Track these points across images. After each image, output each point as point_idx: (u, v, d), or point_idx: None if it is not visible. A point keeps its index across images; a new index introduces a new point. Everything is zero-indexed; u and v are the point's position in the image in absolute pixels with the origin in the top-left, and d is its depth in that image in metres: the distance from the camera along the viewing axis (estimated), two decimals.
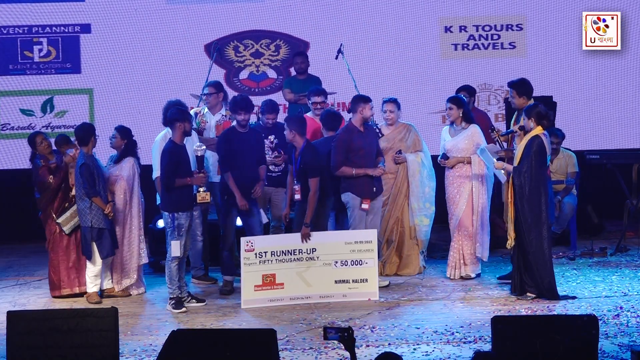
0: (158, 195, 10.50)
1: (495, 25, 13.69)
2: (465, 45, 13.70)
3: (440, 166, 10.96)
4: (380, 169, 10.44)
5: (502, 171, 9.93)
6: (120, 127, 10.52)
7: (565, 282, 10.47)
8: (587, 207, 12.91)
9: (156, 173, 10.44)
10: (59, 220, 10.32)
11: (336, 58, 12.32)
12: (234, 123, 10.48)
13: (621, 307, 9.43)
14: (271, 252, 9.88)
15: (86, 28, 13.43)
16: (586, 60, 13.60)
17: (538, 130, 9.69)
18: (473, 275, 10.76)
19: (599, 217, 13.08)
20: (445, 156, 10.73)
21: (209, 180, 10.48)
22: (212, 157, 10.70)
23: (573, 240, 12.07)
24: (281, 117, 11.26)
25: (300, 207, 10.16)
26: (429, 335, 8.69)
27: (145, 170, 10.78)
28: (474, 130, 10.67)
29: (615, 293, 10.06)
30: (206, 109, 11.17)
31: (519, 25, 13.69)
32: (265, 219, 10.54)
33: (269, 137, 10.89)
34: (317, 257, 9.92)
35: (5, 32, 13.38)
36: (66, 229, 10.32)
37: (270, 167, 10.88)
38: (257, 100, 12.55)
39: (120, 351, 7.13)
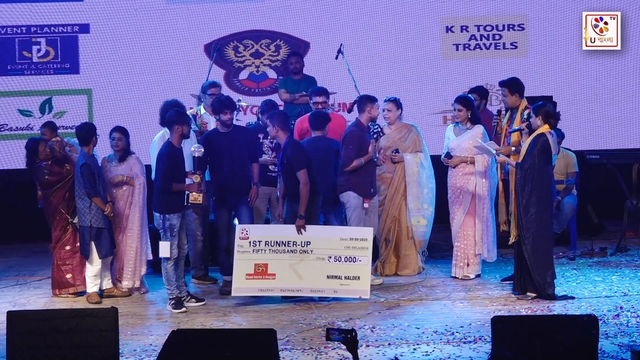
0: None
1: (497, 25, 13.68)
2: (467, 46, 13.69)
3: (441, 166, 10.96)
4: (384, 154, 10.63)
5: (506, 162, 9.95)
6: (120, 128, 10.49)
7: (565, 282, 10.47)
8: (587, 207, 12.93)
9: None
10: (74, 221, 10.34)
11: (336, 58, 12.32)
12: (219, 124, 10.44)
13: (621, 307, 9.43)
14: (265, 241, 9.85)
15: (85, 28, 13.41)
16: (586, 60, 13.60)
17: (544, 128, 9.70)
18: (472, 276, 10.77)
19: (599, 217, 13.09)
20: (449, 155, 10.72)
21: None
22: None
23: (573, 240, 12.08)
24: None
25: (288, 204, 10.09)
26: (429, 335, 8.68)
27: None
28: (479, 130, 10.67)
29: (615, 293, 10.06)
30: (203, 110, 11.16)
31: (521, 25, 13.68)
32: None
33: (269, 137, 10.88)
34: (311, 251, 9.89)
35: (3, 32, 13.36)
36: None
37: (270, 167, 10.87)
38: (257, 101, 12.57)
39: (120, 351, 7.13)
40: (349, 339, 6.06)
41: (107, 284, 10.44)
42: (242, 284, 9.81)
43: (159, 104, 10.77)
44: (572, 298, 9.83)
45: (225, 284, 10.41)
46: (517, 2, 13.64)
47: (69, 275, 10.41)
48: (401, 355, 8.04)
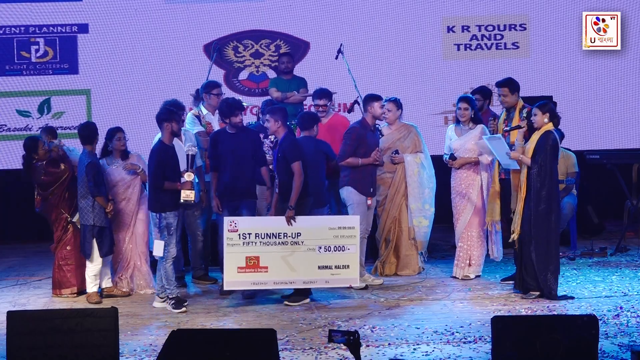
0: None
1: (498, 25, 13.68)
2: (468, 46, 13.68)
3: (442, 166, 10.96)
4: (379, 155, 10.51)
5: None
6: (120, 129, 10.48)
7: (565, 282, 10.47)
8: (587, 207, 12.92)
9: None
10: (75, 220, 10.34)
11: (336, 58, 12.32)
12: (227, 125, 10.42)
13: (621, 307, 9.43)
14: (255, 234, 9.80)
15: (84, 28, 13.41)
16: (586, 60, 13.61)
17: (549, 126, 9.71)
18: (472, 276, 10.77)
19: (599, 217, 13.09)
20: (452, 156, 10.70)
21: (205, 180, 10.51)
22: None
23: (573, 240, 12.08)
24: None
25: (280, 201, 10.04)
26: (429, 335, 8.68)
27: None
28: (482, 130, 10.67)
29: (615, 293, 10.06)
30: (205, 110, 11.15)
31: (523, 25, 13.68)
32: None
33: (270, 136, 10.88)
34: (302, 242, 9.86)
35: (1, 32, 13.36)
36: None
37: (270, 167, 10.86)
38: (258, 101, 12.57)
39: (120, 351, 7.12)
40: (352, 341, 6.03)
41: (107, 283, 10.45)
42: (234, 277, 9.77)
43: (158, 105, 10.75)
44: (572, 298, 9.83)
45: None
46: (518, 2, 13.64)
47: (70, 275, 10.41)
48: (401, 355, 8.03)
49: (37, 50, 13.40)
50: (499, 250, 10.77)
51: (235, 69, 13.62)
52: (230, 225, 9.75)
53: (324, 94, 11.12)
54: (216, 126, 10.92)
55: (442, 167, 11.06)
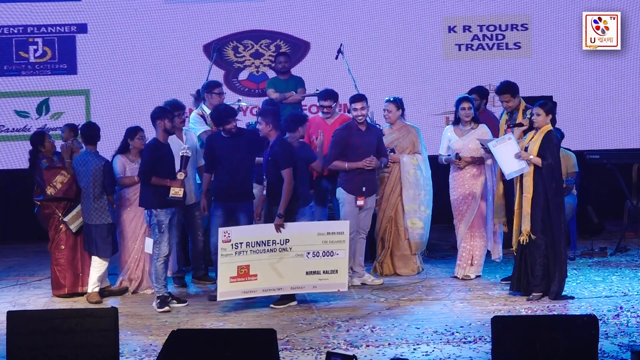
0: None
1: (499, 25, 13.67)
2: (470, 46, 13.67)
3: (439, 167, 10.94)
4: (370, 160, 10.42)
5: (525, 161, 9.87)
6: (141, 128, 10.46)
7: (566, 282, 10.44)
8: (587, 207, 12.92)
9: None
10: (66, 219, 10.33)
11: (336, 58, 12.31)
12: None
13: (621, 307, 9.43)
14: (246, 242, 9.76)
15: (82, 28, 13.39)
16: (586, 60, 13.60)
17: (550, 126, 9.73)
18: (472, 276, 10.77)
19: (599, 217, 13.09)
20: (457, 156, 10.68)
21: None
22: None
23: (573, 240, 12.07)
24: None
25: (268, 204, 10.02)
26: (429, 335, 8.68)
27: None
28: (484, 130, 10.67)
29: (615, 293, 10.06)
30: (208, 110, 11.14)
31: (524, 25, 13.67)
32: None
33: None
34: (290, 248, 9.84)
35: None
36: (73, 227, 10.32)
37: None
38: (257, 101, 12.56)
39: (120, 351, 7.13)
40: None
41: (106, 282, 10.45)
42: (226, 287, 9.72)
43: (157, 105, 10.74)
44: (572, 298, 9.83)
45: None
46: (519, 2, 13.63)
47: (61, 276, 10.37)
48: (401, 355, 8.03)
49: (35, 51, 13.38)
50: (500, 250, 10.78)
51: (235, 69, 13.61)
52: (224, 235, 9.72)
53: (329, 95, 11.08)
54: None
55: (441, 168, 11.05)
